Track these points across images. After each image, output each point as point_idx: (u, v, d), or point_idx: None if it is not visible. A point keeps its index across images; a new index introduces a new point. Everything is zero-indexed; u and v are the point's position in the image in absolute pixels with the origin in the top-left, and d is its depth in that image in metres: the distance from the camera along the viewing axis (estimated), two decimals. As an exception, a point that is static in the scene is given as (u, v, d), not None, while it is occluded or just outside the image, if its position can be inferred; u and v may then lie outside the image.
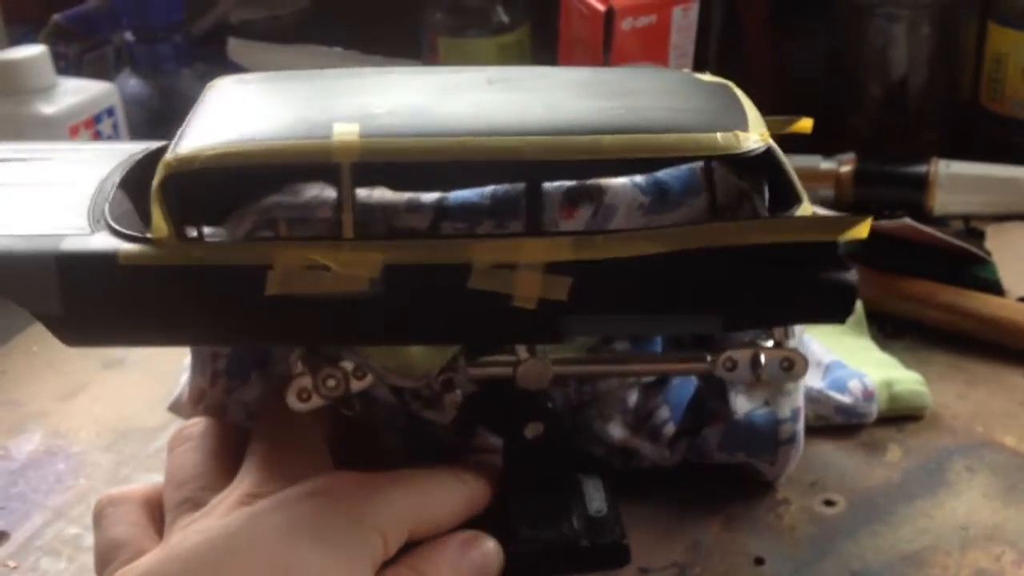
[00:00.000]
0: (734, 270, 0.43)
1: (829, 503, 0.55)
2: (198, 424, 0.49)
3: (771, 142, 0.44)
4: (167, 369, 0.69)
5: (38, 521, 0.58)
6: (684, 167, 0.48)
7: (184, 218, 0.44)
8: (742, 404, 0.53)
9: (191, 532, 0.42)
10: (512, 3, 0.93)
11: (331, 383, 0.46)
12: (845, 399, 0.59)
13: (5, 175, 0.50)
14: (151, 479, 0.60)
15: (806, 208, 0.45)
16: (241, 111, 0.46)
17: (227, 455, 0.47)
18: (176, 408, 0.59)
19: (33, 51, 0.82)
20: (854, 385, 0.60)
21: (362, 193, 0.46)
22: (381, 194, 0.47)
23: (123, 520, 0.46)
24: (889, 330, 0.68)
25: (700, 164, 0.47)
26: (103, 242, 0.43)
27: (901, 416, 0.61)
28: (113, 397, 0.68)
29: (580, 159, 0.43)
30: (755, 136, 0.44)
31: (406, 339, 0.46)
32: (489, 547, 0.46)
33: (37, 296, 0.43)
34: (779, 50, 0.93)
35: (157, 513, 0.47)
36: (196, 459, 0.47)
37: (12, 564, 0.56)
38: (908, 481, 0.57)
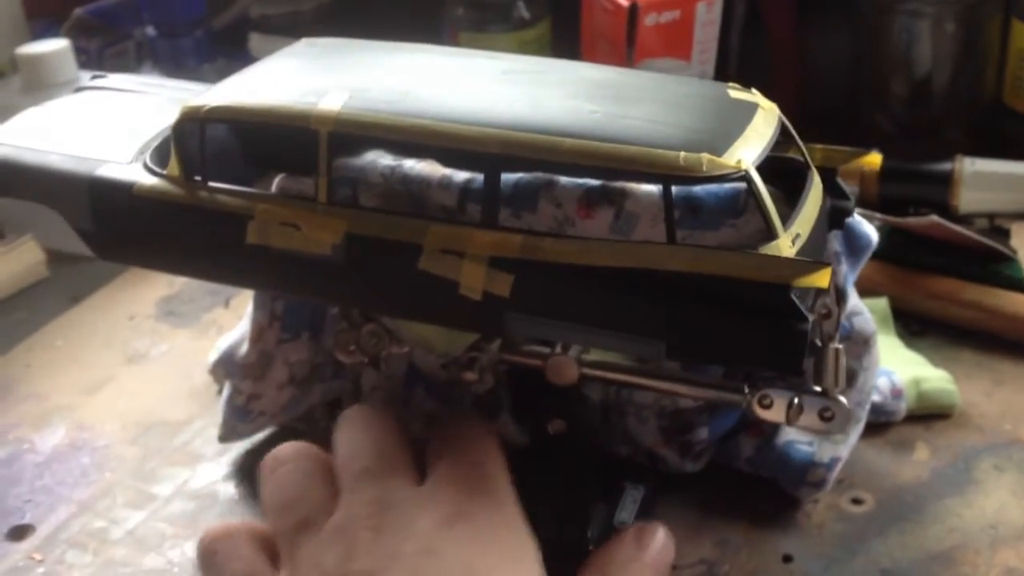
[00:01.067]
0: (680, 298, 0.41)
1: (857, 501, 0.55)
2: (289, 446, 0.48)
3: (749, 170, 0.41)
4: (191, 364, 0.69)
5: (63, 514, 0.58)
6: (727, 185, 0.46)
7: (200, 163, 0.47)
8: (787, 429, 0.53)
9: (332, 560, 0.41)
10: (533, -1, 0.93)
11: (373, 340, 0.50)
12: (874, 397, 0.59)
13: (98, 102, 0.57)
14: (176, 473, 0.60)
15: (780, 245, 0.41)
16: (273, 73, 0.50)
17: (325, 473, 0.46)
18: (216, 369, 0.59)
19: (55, 45, 0.82)
20: (883, 383, 0.59)
21: (408, 163, 0.48)
22: (424, 167, 0.48)
23: (238, 555, 0.44)
24: (915, 328, 0.68)
25: (743, 185, 0.45)
26: (130, 173, 0.49)
27: (929, 414, 0.61)
28: (137, 391, 0.68)
29: (538, 158, 0.42)
30: (730, 162, 0.41)
31: (362, 305, 0.49)
32: (660, 535, 0.46)
33: (74, 211, 0.51)
34: (803, 47, 0.93)
35: (264, 545, 0.45)
36: (298, 480, 0.45)
37: (38, 557, 0.56)
38: (937, 480, 0.57)
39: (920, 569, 0.51)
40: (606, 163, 0.41)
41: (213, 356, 0.59)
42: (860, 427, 0.55)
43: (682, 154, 0.40)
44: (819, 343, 0.47)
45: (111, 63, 0.94)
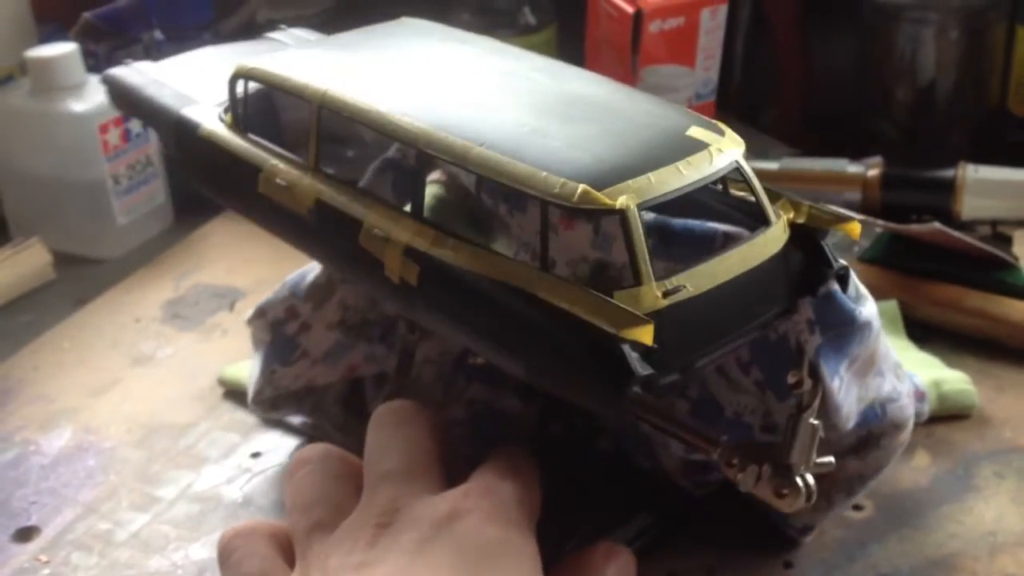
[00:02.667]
0: (540, 324, 0.40)
1: (857, 507, 0.55)
2: (313, 447, 0.48)
3: (626, 208, 0.38)
4: (196, 367, 0.70)
5: (69, 516, 0.59)
6: (708, 224, 0.46)
7: (243, 116, 0.53)
8: None
9: (333, 565, 0.41)
10: (539, 4, 0.94)
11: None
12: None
13: (249, 51, 0.64)
14: (181, 476, 0.61)
15: (641, 293, 0.39)
16: (333, 45, 0.55)
17: (350, 475, 0.46)
18: (274, 304, 0.58)
19: (64, 49, 0.82)
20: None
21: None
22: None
23: (255, 553, 0.45)
24: (917, 334, 0.68)
25: (719, 225, 0.45)
26: (205, 116, 0.55)
27: (933, 419, 0.61)
28: (143, 393, 0.68)
29: (452, 161, 0.43)
30: (610, 198, 0.38)
31: (328, 267, 0.54)
32: (627, 555, 0.45)
33: (166, 139, 0.58)
34: (807, 53, 0.93)
35: (283, 544, 0.45)
36: (319, 481, 0.46)
37: (43, 558, 0.56)
38: (937, 486, 0.57)
39: (920, 575, 0.52)
40: (499, 177, 0.41)
41: (278, 288, 0.58)
42: (853, 499, 0.53)
43: (561, 181, 0.39)
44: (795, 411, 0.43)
45: (119, 67, 0.94)
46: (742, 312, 0.42)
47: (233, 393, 0.67)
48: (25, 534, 0.58)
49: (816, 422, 0.42)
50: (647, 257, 0.39)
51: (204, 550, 0.56)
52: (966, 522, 0.55)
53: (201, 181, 0.57)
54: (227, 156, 0.53)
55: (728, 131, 0.43)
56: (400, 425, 0.47)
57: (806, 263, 0.44)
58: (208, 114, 0.55)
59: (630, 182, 0.39)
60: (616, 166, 0.40)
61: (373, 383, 0.58)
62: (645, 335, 0.37)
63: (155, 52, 0.91)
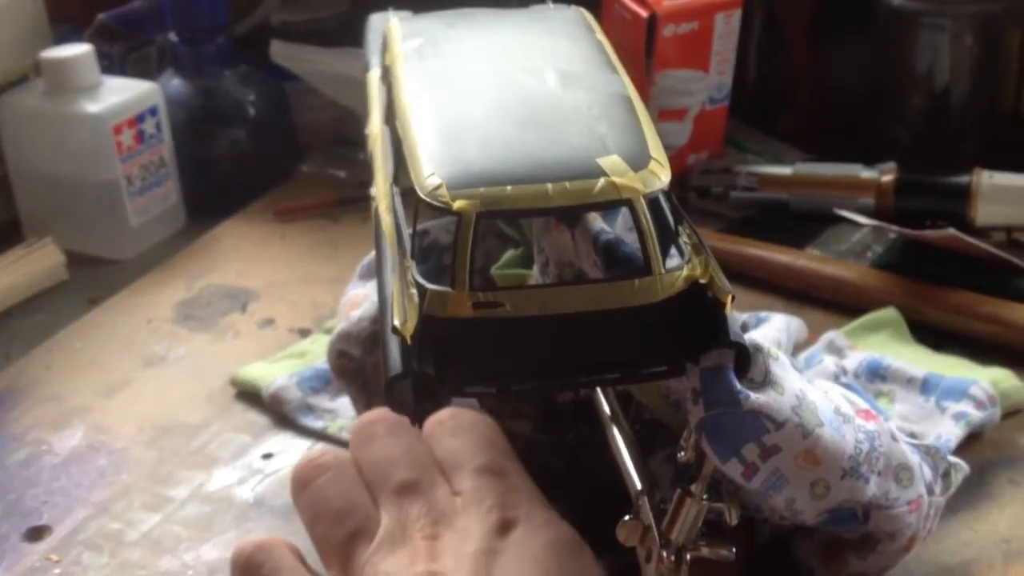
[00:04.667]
0: None
1: (870, 513, 0.55)
2: (324, 454, 0.47)
3: (464, 211, 0.37)
4: (208, 368, 0.70)
5: (80, 516, 0.59)
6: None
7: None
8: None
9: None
10: (553, 8, 0.93)
11: None
12: (971, 409, 0.58)
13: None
14: (192, 476, 0.61)
15: (451, 298, 0.38)
16: (452, 19, 0.53)
17: (362, 482, 0.46)
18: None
19: (79, 50, 0.83)
20: (977, 392, 0.59)
21: None
22: None
23: (283, 566, 0.44)
24: (931, 341, 0.68)
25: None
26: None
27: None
28: (155, 394, 0.68)
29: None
30: (455, 201, 0.37)
31: None
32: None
33: None
34: (821, 59, 0.93)
35: (300, 557, 0.45)
36: (343, 490, 0.45)
37: (54, 558, 0.56)
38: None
39: (933, 582, 0.52)
40: (408, 159, 0.41)
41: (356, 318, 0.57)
42: None
43: (428, 173, 0.39)
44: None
45: (133, 68, 0.94)
46: (590, 353, 0.39)
47: (245, 394, 0.67)
48: (36, 533, 0.58)
49: (702, 503, 0.40)
50: (468, 264, 0.37)
51: (215, 550, 0.56)
52: (980, 529, 0.54)
53: None
54: None
55: (656, 172, 0.39)
56: (392, 434, 0.46)
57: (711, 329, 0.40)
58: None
59: (483, 189, 0.37)
60: (495, 172, 0.38)
61: None
62: (406, 330, 0.37)
63: (168, 54, 0.91)
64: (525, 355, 0.39)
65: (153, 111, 0.85)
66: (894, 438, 0.45)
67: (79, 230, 0.84)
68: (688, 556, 0.41)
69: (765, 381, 0.41)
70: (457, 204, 0.37)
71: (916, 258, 0.73)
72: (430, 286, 0.38)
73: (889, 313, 0.68)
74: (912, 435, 0.56)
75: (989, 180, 0.78)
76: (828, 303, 0.72)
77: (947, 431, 0.58)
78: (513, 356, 0.39)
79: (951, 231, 0.69)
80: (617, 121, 0.41)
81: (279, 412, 0.65)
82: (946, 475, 0.49)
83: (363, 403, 0.57)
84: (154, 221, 0.86)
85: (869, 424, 0.44)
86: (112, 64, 0.92)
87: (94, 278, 0.81)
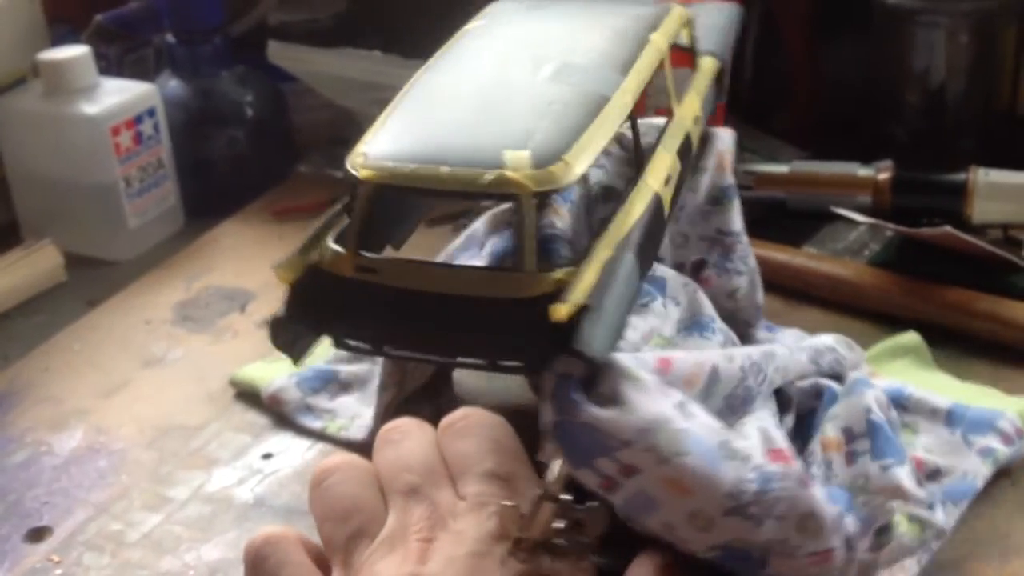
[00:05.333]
0: None
1: (868, 511, 0.55)
2: (337, 456, 0.48)
3: (364, 178, 0.40)
4: (207, 369, 0.70)
5: (81, 517, 0.59)
6: None
7: None
8: None
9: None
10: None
11: None
12: (997, 444, 0.56)
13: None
14: (192, 477, 0.61)
15: (340, 258, 0.41)
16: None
17: (373, 483, 0.46)
18: None
19: (76, 51, 0.83)
20: (1005, 426, 0.57)
21: None
22: None
23: (291, 560, 0.44)
24: (928, 338, 0.68)
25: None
26: None
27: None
28: (154, 395, 0.68)
29: None
30: (360, 170, 0.40)
31: None
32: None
33: None
34: (817, 57, 0.93)
35: (311, 552, 0.45)
36: (350, 491, 0.45)
37: (55, 559, 0.56)
38: (948, 490, 0.57)
39: (931, 579, 0.52)
40: None
41: None
42: None
43: (361, 148, 0.41)
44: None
45: (130, 69, 0.94)
46: (458, 335, 0.41)
47: (244, 395, 0.67)
48: (37, 534, 0.58)
49: (561, 502, 0.41)
50: (358, 228, 0.41)
51: (216, 551, 0.56)
52: (978, 527, 0.55)
53: None
54: None
55: (556, 172, 0.39)
56: (406, 438, 0.47)
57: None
58: None
59: (390, 163, 0.40)
60: (414, 150, 0.41)
61: None
62: (280, 273, 0.42)
63: (165, 55, 0.91)
64: (398, 323, 0.41)
65: (151, 112, 0.85)
66: (805, 484, 0.42)
67: (77, 232, 0.84)
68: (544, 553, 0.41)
69: (613, 399, 0.40)
70: (362, 174, 0.40)
71: (913, 256, 0.73)
72: (331, 245, 0.41)
73: (912, 338, 0.66)
74: (937, 470, 0.55)
75: (985, 178, 0.78)
76: (825, 301, 0.72)
77: (973, 469, 0.56)
78: (387, 322, 0.41)
79: (947, 229, 0.70)
80: (565, 119, 0.42)
81: (278, 413, 0.65)
82: (882, 531, 0.47)
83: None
84: (152, 222, 0.86)
85: (773, 466, 0.42)
86: (109, 65, 0.92)
87: (92, 279, 0.82)
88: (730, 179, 0.56)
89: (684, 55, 0.58)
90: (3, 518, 0.59)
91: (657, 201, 0.45)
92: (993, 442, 0.57)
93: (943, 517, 0.51)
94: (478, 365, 0.41)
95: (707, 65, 0.57)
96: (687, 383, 0.43)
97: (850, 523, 0.44)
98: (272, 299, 0.62)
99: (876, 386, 0.56)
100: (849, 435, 0.53)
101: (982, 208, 0.78)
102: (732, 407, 0.46)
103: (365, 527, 0.44)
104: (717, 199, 0.57)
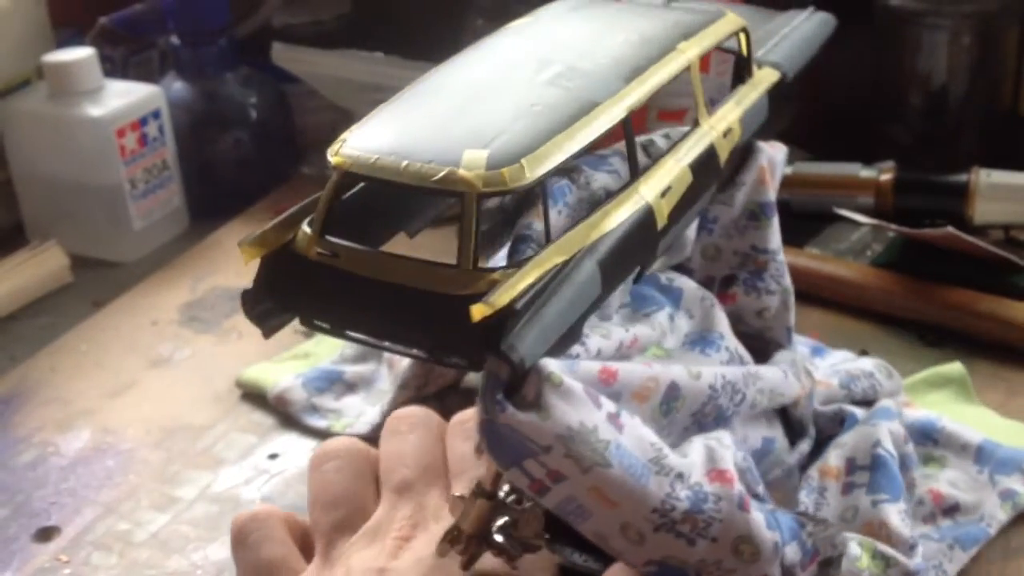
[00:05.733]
0: None
1: (872, 510, 0.56)
2: (340, 441, 0.48)
3: (337, 164, 0.40)
4: (213, 369, 0.70)
5: (89, 516, 0.59)
6: None
7: None
8: None
9: (358, 569, 0.42)
10: (553, 9, 0.94)
11: None
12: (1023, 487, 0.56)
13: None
14: (199, 476, 0.61)
15: (307, 240, 0.42)
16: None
17: (372, 473, 0.47)
18: None
19: (81, 53, 0.83)
20: None
21: None
22: None
23: (273, 538, 0.45)
24: (930, 339, 0.69)
25: None
26: None
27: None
28: (161, 395, 0.69)
29: None
30: (336, 157, 0.41)
31: None
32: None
33: None
34: (819, 58, 0.93)
35: (296, 532, 0.46)
36: (344, 480, 0.46)
37: (64, 558, 0.57)
38: (950, 489, 0.57)
39: (934, 578, 0.52)
40: None
41: None
42: None
43: (343, 137, 0.42)
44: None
45: (135, 71, 0.95)
46: (409, 325, 0.41)
47: (250, 395, 0.67)
48: (46, 534, 0.58)
49: (494, 498, 0.41)
50: (324, 214, 0.42)
51: (223, 550, 0.56)
52: (980, 525, 0.55)
53: None
54: None
55: (508, 175, 0.39)
56: (413, 431, 0.47)
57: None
58: None
59: (358, 154, 0.40)
60: (388, 143, 0.41)
61: None
62: (244, 249, 0.43)
63: (170, 57, 0.92)
64: (356, 308, 0.41)
65: (156, 114, 0.85)
66: (744, 507, 0.41)
67: (83, 233, 0.85)
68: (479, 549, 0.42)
69: (535, 403, 0.40)
70: (334, 160, 0.41)
71: (915, 256, 0.73)
72: (304, 227, 0.42)
73: (955, 368, 0.64)
74: (956, 505, 0.55)
75: (987, 179, 0.78)
76: (828, 302, 0.73)
77: (991, 512, 0.55)
78: (347, 306, 0.42)
79: (949, 229, 0.70)
80: (540, 122, 0.42)
81: (284, 413, 0.65)
82: (828, 563, 0.45)
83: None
84: (157, 224, 0.87)
85: (710, 486, 0.41)
86: (114, 67, 0.93)
87: (98, 281, 0.82)
88: (770, 196, 0.53)
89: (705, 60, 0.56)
90: (11, 518, 0.59)
91: (647, 212, 0.44)
92: (1017, 484, 0.56)
93: (919, 561, 0.50)
94: (426, 359, 0.41)
95: (762, 77, 0.54)
96: (637, 396, 0.43)
97: (791, 552, 0.43)
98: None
99: (897, 417, 0.56)
100: (851, 465, 0.53)
101: (984, 209, 0.78)
102: (702, 425, 0.46)
103: (350, 518, 0.45)
104: (755, 215, 0.54)
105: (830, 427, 0.56)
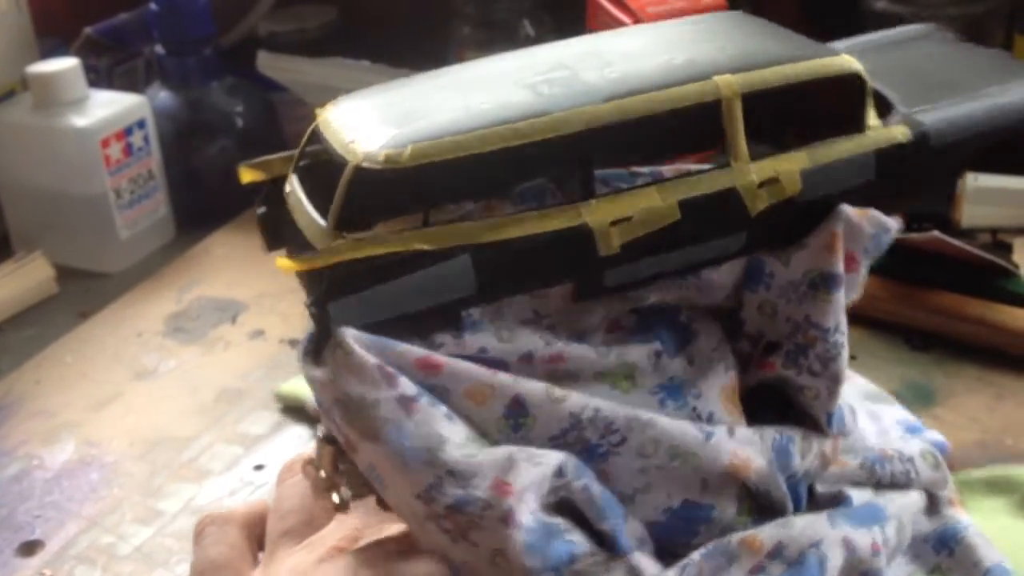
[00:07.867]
0: None
1: (859, 516, 0.55)
2: (305, 457, 0.48)
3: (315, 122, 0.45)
4: (199, 380, 0.70)
5: (72, 530, 0.59)
6: None
7: None
8: None
9: (285, 569, 0.43)
10: (538, 17, 0.94)
11: None
12: None
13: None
14: (184, 489, 0.61)
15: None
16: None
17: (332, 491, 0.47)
18: None
19: (66, 64, 0.83)
20: None
21: None
22: None
23: (223, 541, 0.46)
24: (917, 343, 0.68)
25: None
26: None
27: (931, 424, 0.60)
28: (145, 407, 0.68)
29: None
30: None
31: None
32: None
33: None
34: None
35: (257, 535, 0.47)
36: (300, 493, 0.47)
37: (48, 572, 0.56)
38: (938, 494, 0.57)
39: (921, 584, 0.52)
40: None
41: None
42: None
43: (338, 99, 0.45)
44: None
45: (120, 81, 0.94)
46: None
47: (234, 406, 0.67)
48: (29, 548, 0.58)
49: (335, 444, 0.43)
50: (300, 154, 0.46)
51: (207, 563, 0.56)
52: (968, 530, 0.55)
53: None
54: None
55: (379, 156, 0.41)
56: None
57: None
58: None
59: (332, 123, 0.43)
60: (362, 121, 0.43)
61: None
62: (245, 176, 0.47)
63: (155, 67, 0.91)
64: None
65: (141, 124, 0.85)
66: (506, 523, 0.40)
67: (68, 244, 0.84)
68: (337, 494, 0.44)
69: (325, 364, 0.41)
70: (318, 120, 0.45)
71: (902, 261, 0.73)
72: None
73: (1020, 474, 0.58)
74: None
75: (974, 182, 0.78)
76: (815, 307, 0.72)
77: None
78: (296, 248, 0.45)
79: (936, 234, 0.70)
80: (466, 117, 0.43)
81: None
82: None
83: None
84: (143, 233, 0.86)
85: (486, 492, 0.40)
86: (99, 77, 0.93)
87: (84, 291, 0.82)
88: (837, 267, 0.46)
89: None
90: (-5, 532, 0.59)
91: (582, 233, 0.42)
92: None
93: None
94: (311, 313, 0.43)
95: (882, 135, 0.47)
96: (470, 396, 0.42)
97: None
98: (263, 310, 0.62)
99: (884, 524, 0.49)
100: (776, 551, 0.45)
101: (971, 212, 0.78)
102: (573, 453, 0.43)
103: (298, 529, 0.45)
104: (815, 284, 0.47)
105: (827, 506, 0.49)
